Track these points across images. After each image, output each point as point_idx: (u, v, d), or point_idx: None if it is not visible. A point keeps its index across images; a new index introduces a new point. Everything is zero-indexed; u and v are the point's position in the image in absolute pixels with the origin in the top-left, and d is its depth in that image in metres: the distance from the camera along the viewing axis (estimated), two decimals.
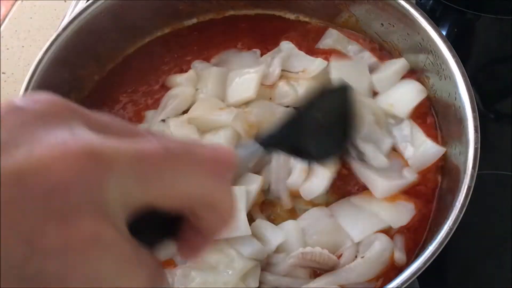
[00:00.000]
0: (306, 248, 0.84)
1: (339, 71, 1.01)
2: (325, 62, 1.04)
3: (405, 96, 0.98)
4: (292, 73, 1.05)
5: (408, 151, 0.94)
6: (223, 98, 1.02)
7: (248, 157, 0.61)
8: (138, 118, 1.05)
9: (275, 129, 0.67)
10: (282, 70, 1.04)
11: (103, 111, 1.00)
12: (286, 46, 1.08)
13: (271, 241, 0.86)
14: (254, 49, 1.10)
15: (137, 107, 1.06)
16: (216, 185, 0.36)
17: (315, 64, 1.04)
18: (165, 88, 1.07)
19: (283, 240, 0.86)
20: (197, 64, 1.08)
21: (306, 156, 0.77)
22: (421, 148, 0.93)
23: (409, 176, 0.91)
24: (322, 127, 0.81)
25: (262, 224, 0.88)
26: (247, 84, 1.00)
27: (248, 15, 1.15)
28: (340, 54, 1.07)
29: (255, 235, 0.87)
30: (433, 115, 0.99)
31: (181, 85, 1.04)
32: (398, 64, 1.01)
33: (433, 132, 0.97)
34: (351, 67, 1.03)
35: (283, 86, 1.01)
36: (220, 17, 1.15)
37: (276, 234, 0.87)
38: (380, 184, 0.90)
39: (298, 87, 1.01)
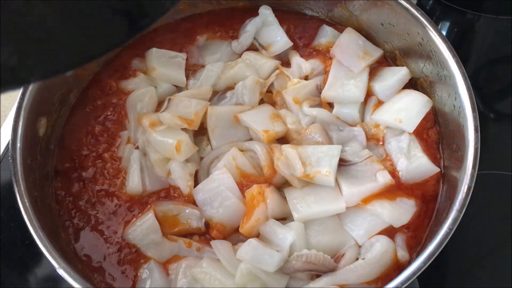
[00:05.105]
0: (302, 251, 0.84)
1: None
2: (290, 43, 1.06)
3: (412, 110, 0.95)
4: (260, 46, 1.07)
5: (401, 163, 0.92)
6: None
7: None
8: None
9: None
10: (254, 39, 1.07)
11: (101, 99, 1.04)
12: (264, 11, 1.08)
13: (282, 240, 0.85)
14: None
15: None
16: None
17: (280, 44, 1.05)
18: None
19: (295, 239, 0.85)
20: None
21: None
22: (415, 163, 0.92)
23: (382, 179, 0.89)
24: None
25: (272, 224, 0.88)
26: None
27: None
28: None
29: (265, 235, 0.87)
30: (434, 123, 0.99)
31: (138, 88, 1.03)
32: (400, 73, 0.99)
33: (433, 150, 0.96)
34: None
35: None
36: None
37: (286, 233, 0.85)
38: (345, 191, 0.88)
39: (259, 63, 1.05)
